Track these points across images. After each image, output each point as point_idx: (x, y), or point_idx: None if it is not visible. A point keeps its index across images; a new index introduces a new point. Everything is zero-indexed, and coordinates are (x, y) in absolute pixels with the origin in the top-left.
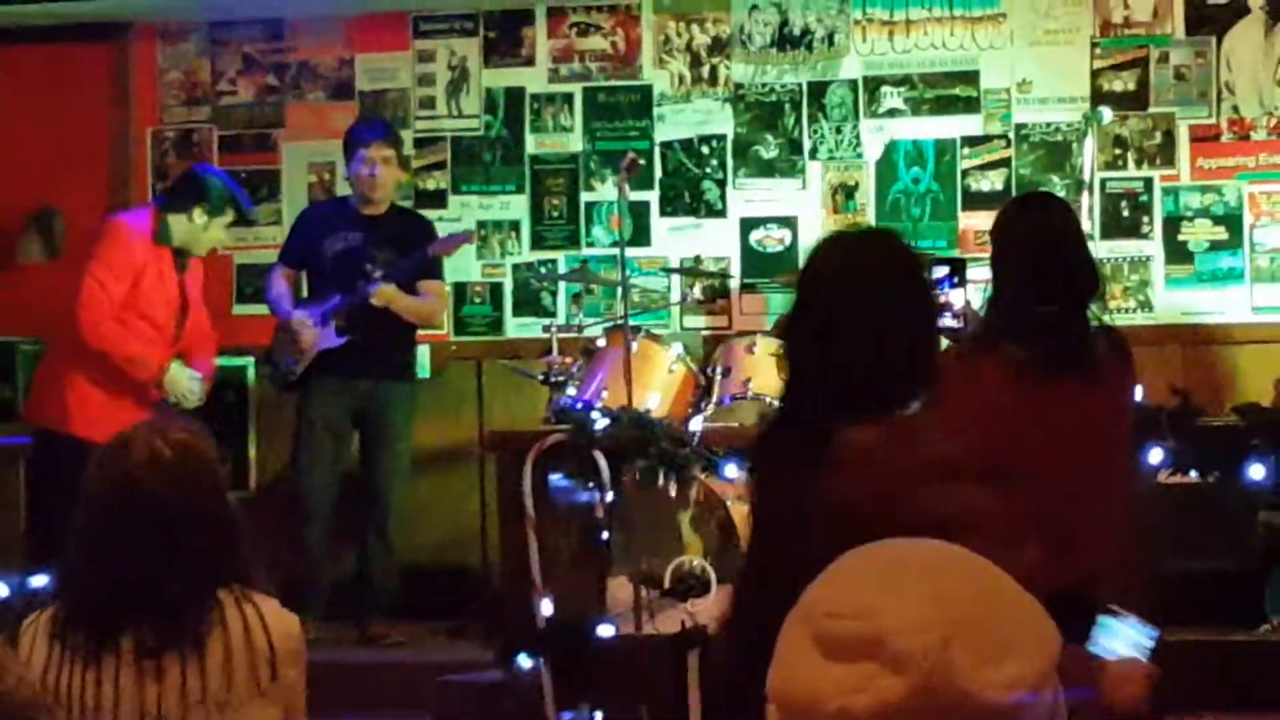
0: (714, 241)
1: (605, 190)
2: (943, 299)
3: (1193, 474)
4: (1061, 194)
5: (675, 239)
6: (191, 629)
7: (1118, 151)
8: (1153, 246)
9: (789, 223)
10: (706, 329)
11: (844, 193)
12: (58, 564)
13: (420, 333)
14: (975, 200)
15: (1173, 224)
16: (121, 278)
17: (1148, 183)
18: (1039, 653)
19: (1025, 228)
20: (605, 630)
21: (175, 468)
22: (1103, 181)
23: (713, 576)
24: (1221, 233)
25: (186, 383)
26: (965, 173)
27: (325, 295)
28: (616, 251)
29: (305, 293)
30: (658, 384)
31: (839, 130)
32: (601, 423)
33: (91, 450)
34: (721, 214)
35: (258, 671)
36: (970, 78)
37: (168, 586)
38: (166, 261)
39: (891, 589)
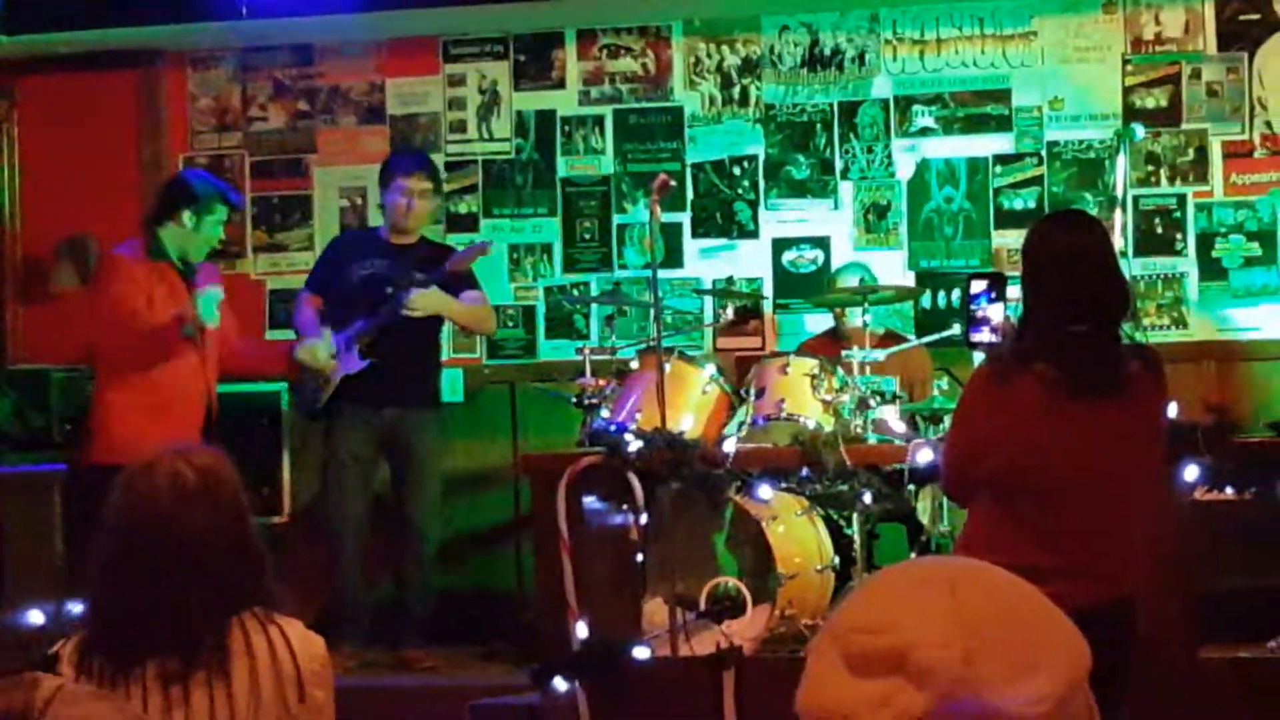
0: (746, 262)
1: (637, 212)
2: (980, 314)
3: (1229, 490)
4: (1094, 211)
5: (707, 260)
6: (215, 653)
7: (1150, 168)
8: (1186, 263)
9: (821, 243)
10: (739, 350)
11: (876, 212)
12: (82, 589)
13: (453, 356)
14: (1008, 219)
15: (1206, 240)
16: (135, 302)
17: (1181, 199)
18: (1067, 666)
19: (1057, 246)
20: (641, 652)
21: (199, 492)
22: (1135, 198)
23: (748, 597)
24: (1255, 248)
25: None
26: (998, 191)
27: (348, 321)
28: (649, 273)
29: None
30: (691, 405)
31: (871, 150)
32: (635, 444)
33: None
34: (754, 235)
35: (285, 694)
36: (1002, 96)
37: (191, 611)
38: (172, 275)
39: (915, 604)
